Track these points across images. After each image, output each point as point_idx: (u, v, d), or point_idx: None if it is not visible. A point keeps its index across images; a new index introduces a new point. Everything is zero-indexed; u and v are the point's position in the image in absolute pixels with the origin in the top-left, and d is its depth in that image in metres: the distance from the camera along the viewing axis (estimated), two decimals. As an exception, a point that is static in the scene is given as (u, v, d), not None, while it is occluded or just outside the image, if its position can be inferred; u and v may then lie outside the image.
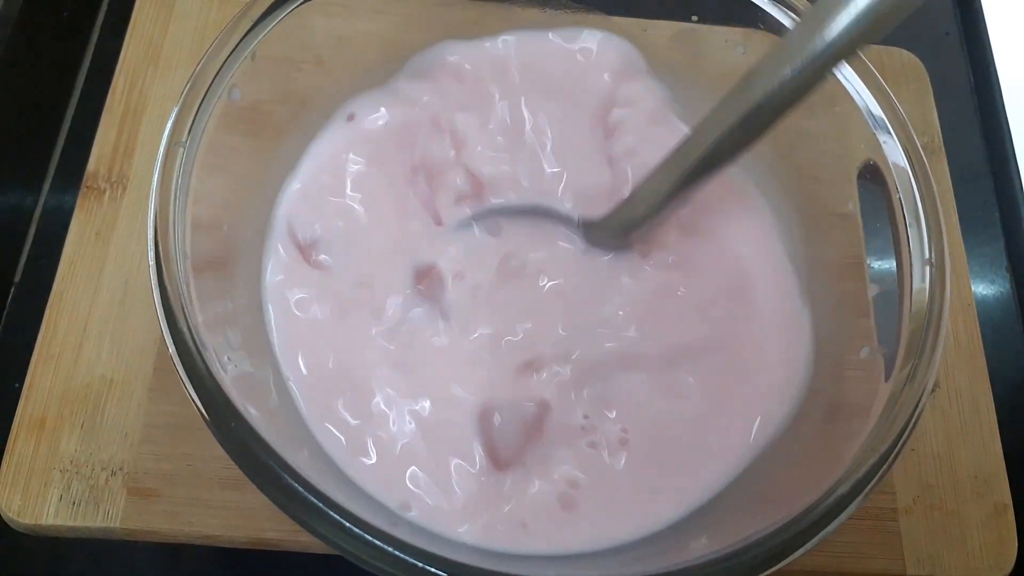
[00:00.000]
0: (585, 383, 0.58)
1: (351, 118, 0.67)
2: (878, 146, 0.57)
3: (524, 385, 0.57)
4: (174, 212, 0.49)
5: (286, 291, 0.61)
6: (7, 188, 0.81)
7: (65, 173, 0.80)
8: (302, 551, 0.62)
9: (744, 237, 0.66)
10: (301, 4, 0.58)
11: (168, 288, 0.47)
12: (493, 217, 0.63)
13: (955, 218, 0.76)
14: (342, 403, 0.57)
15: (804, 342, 0.62)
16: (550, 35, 0.69)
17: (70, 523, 0.63)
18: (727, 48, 0.65)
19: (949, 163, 0.78)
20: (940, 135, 0.79)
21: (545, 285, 0.61)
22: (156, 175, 0.50)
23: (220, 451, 0.47)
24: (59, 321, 0.68)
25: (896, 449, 0.56)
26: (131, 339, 0.67)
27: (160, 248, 0.48)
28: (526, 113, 0.66)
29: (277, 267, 0.62)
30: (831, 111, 0.59)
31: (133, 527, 0.62)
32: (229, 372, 0.47)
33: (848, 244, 0.61)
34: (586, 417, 0.58)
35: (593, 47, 0.69)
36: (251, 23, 0.55)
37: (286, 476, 0.43)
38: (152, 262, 0.48)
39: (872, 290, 0.58)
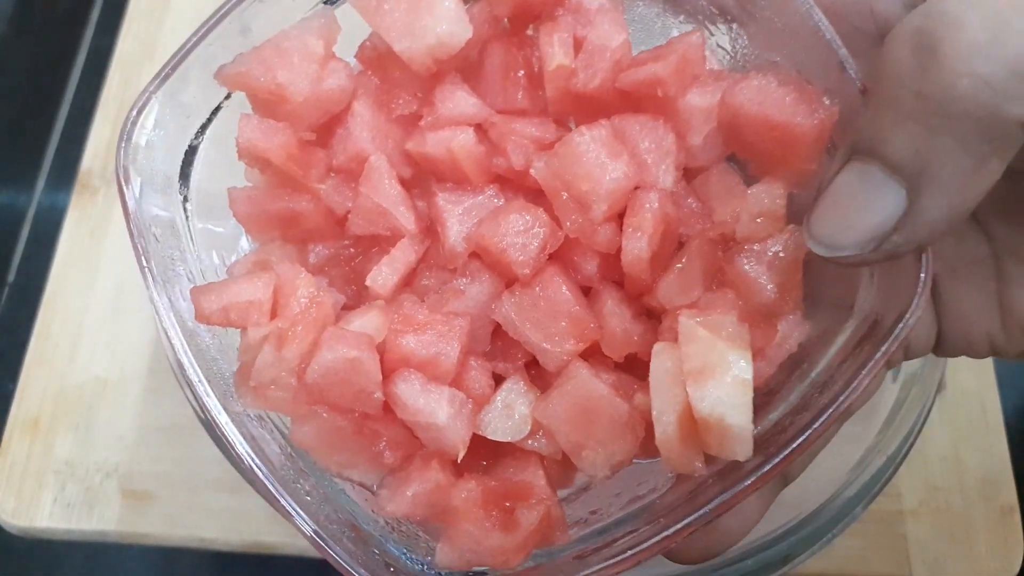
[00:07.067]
0: None
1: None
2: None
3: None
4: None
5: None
6: (0, 187, 0.80)
7: (59, 171, 0.79)
8: (299, 555, 0.61)
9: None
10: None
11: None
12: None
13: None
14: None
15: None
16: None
17: (64, 526, 0.62)
18: None
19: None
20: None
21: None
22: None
23: (216, 453, 0.46)
24: (53, 321, 0.67)
25: (903, 451, 0.55)
26: (126, 339, 0.67)
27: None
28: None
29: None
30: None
31: (127, 530, 0.62)
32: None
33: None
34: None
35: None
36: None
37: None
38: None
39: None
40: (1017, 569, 0.62)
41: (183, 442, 0.63)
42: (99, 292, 0.68)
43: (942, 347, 0.41)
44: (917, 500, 0.63)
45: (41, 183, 0.79)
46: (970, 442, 0.65)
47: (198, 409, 0.45)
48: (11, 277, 0.76)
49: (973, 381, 0.66)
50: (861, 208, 0.33)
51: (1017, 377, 0.71)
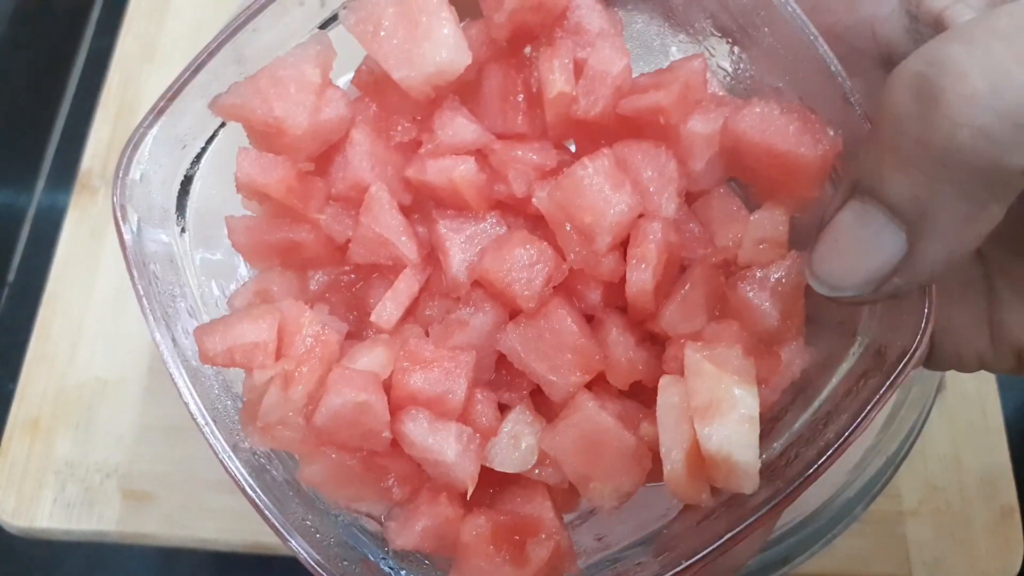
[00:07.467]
0: None
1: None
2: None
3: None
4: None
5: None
6: (0, 187, 0.80)
7: (59, 171, 0.79)
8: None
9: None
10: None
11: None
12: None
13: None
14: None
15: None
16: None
17: (64, 526, 0.62)
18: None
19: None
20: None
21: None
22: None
23: (216, 454, 0.46)
24: (53, 321, 0.67)
25: (903, 451, 0.55)
26: (126, 339, 0.67)
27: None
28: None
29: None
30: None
31: (127, 530, 0.62)
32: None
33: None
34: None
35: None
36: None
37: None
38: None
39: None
40: (1017, 569, 0.62)
41: (183, 442, 0.63)
42: (99, 292, 0.68)
43: (933, 361, 0.42)
44: (917, 500, 0.63)
45: (41, 183, 0.79)
46: (970, 442, 0.65)
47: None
48: (11, 277, 0.76)
49: (973, 382, 0.66)
50: (862, 250, 0.33)
51: (1017, 378, 0.72)
